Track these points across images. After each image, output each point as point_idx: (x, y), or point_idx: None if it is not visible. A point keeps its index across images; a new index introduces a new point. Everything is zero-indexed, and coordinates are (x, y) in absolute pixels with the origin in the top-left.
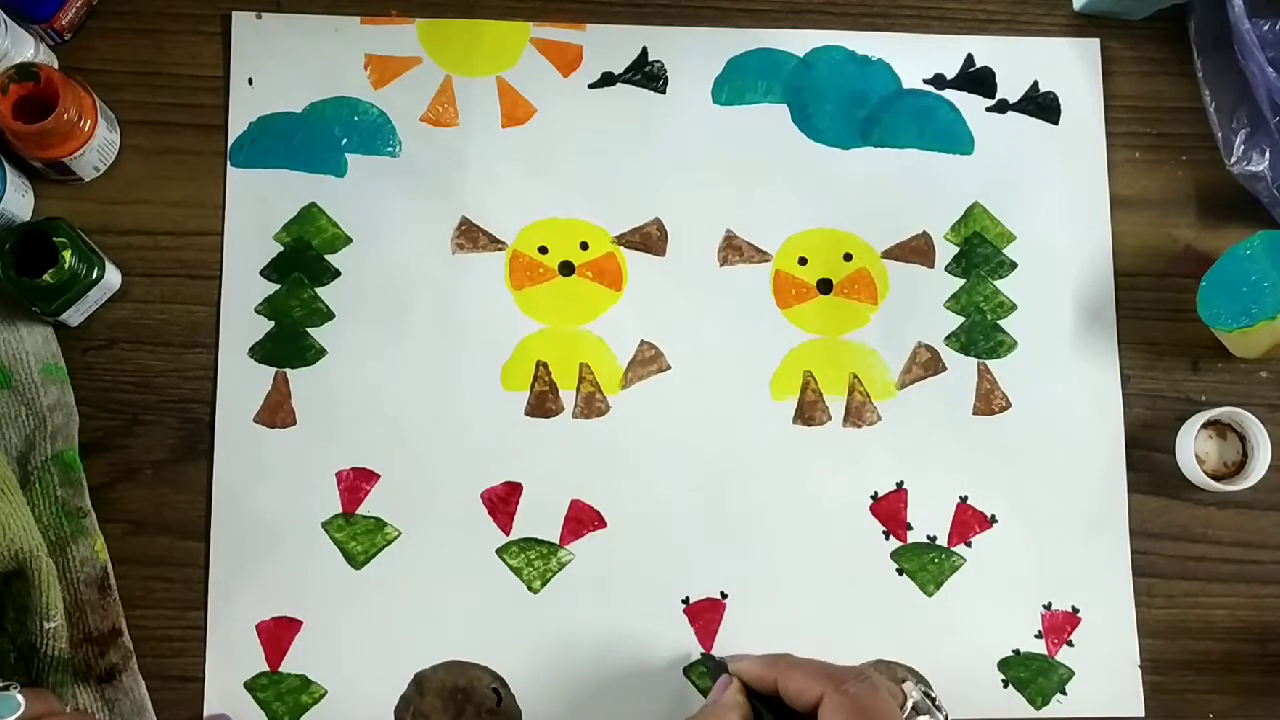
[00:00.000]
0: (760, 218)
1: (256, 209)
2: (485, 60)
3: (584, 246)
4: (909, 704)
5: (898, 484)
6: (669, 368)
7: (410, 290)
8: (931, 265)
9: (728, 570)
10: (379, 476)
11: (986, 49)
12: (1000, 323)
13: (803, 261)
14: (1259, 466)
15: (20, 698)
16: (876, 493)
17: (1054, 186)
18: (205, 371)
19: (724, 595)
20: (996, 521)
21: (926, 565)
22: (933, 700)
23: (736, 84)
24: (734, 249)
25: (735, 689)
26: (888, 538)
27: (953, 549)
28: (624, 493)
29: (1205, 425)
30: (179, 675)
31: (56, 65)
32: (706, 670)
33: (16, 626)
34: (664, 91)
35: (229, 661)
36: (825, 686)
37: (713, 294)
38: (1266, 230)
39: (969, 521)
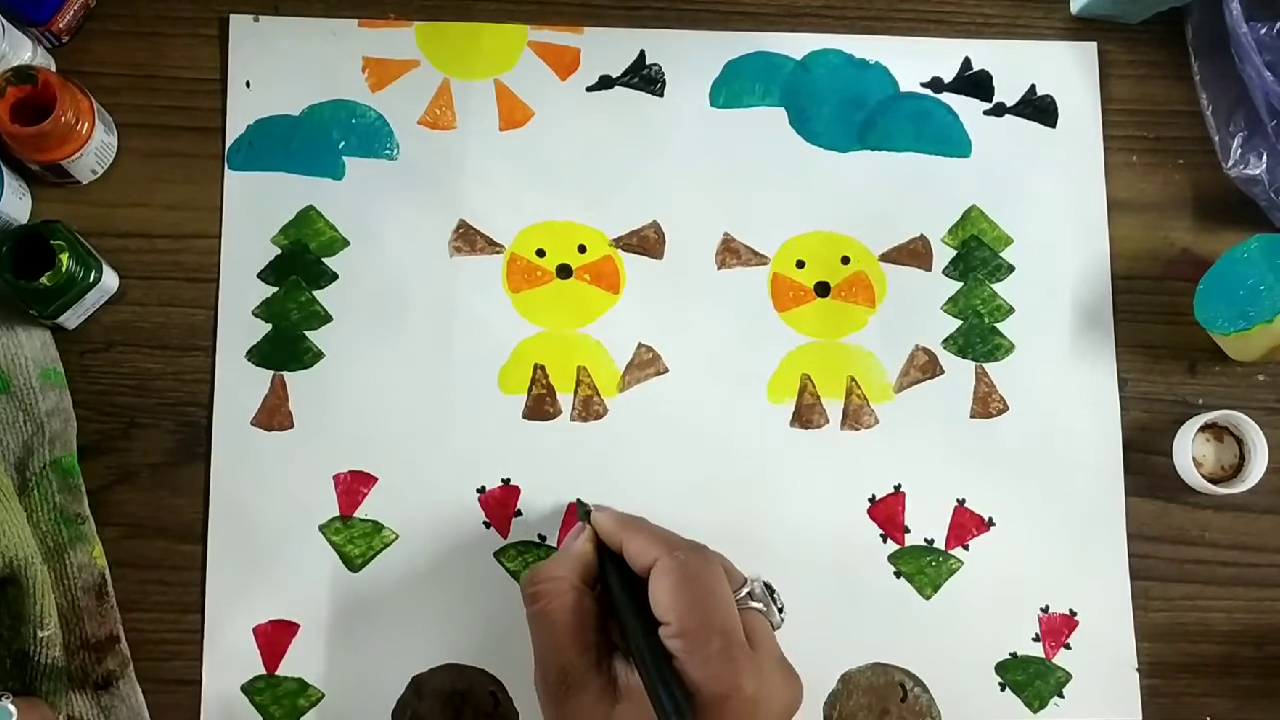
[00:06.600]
0: (758, 221)
1: (254, 212)
2: (483, 63)
3: (582, 249)
4: (745, 590)
5: (895, 487)
6: (667, 370)
7: (408, 293)
8: (929, 268)
9: None
10: (376, 479)
11: (984, 52)
12: (998, 326)
13: (800, 264)
14: (1256, 469)
15: (11, 707)
16: (874, 495)
17: (1051, 190)
18: (203, 374)
19: None
20: (994, 524)
21: (924, 568)
22: (772, 594)
23: (734, 87)
24: (731, 252)
25: (586, 539)
26: (885, 540)
27: (950, 552)
28: (621, 496)
29: (1202, 428)
30: (176, 679)
31: (54, 68)
32: (580, 512)
33: (11, 634)
34: (662, 94)
35: (226, 665)
36: (660, 551)
37: (710, 297)
38: (1263, 234)
39: (967, 524)
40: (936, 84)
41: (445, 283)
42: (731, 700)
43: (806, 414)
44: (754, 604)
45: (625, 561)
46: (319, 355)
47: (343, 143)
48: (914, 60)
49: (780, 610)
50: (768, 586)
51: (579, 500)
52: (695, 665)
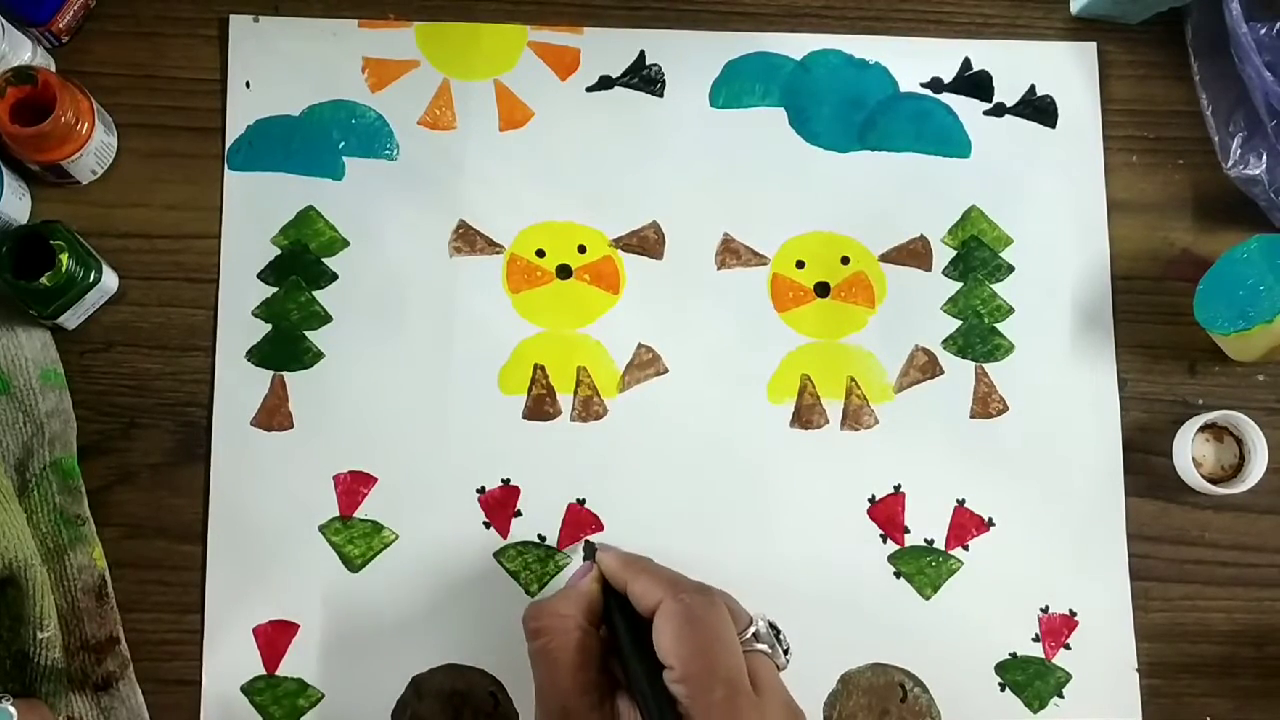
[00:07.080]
0: (758, 221)
1: (254, 212)
2: (483, 63)
3: (581, 249)
4: (750, 630)
5: (895, 487)
6: (666, 371)
7: (408, 293)
8: (929, 268)
9: (725, 574)
10: (376, 479)
11: (984, 52)
12: (998, 326)
13: (800, 265)
14: (1256, 470)
15: (11, 709)
16: (874, 496)
17: (1051, 190)
18: (202, 375)
19: None
20: (994, 525)
21: (924, 568)
22: (777, 634)
23: (734, 87)
24: (731, 252)
25: (592, 578)
26: (885, 541)
27: (950, 552)
28: (621, 496)
29: (1202, 429)
30: (175, 679)
31: (54, 68)
32: (586, 550)
33: (10, 635)
34: (661, 95)
35: (226, 665)
36: (665, 593)
37: (710, 297)
38: (1263, 234)
39: (966, 524)
40: (936, 84)
41: (445, 283)
42: None
43: (806, 414)
44: (759, 645)
45: (630, 602)
46: (319, 355)
47: (343, 143)
48: (914, 60)
49: (786, 651)
50: (773, 626)
51: (587, 540)
52: (699, 712)
